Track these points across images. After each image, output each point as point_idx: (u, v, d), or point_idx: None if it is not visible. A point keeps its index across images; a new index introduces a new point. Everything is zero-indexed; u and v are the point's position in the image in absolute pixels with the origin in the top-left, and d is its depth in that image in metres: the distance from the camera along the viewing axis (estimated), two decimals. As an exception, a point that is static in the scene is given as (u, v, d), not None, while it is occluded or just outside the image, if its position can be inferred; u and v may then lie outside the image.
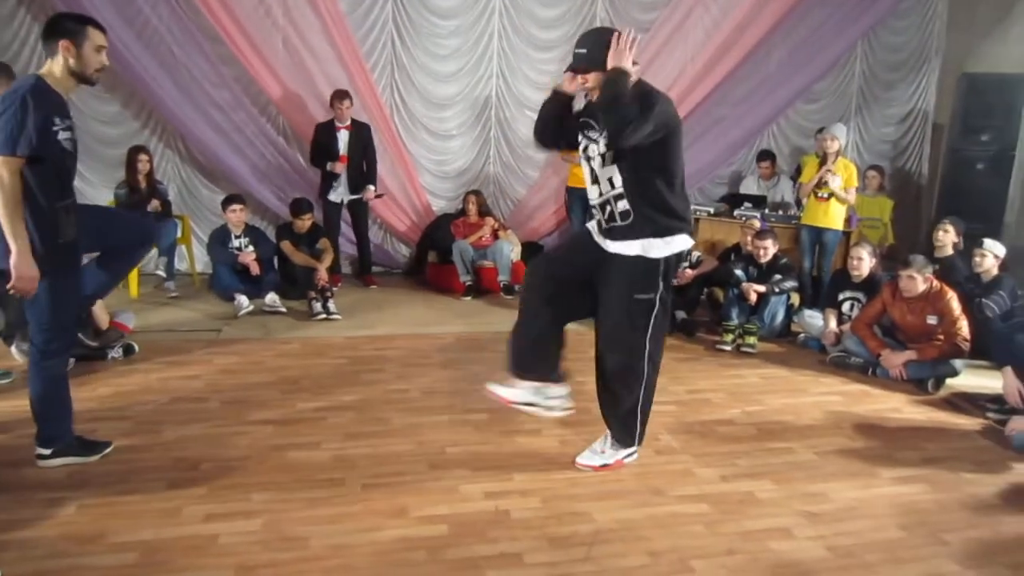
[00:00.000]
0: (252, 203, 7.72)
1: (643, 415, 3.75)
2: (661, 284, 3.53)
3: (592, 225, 3.74)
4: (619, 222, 3.52)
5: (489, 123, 8.55)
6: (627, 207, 3.49)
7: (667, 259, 3.52)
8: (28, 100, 3.15)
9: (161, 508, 3.26)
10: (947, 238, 6.28)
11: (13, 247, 3.17)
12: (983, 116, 8.38)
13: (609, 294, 3.59)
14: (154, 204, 6.91)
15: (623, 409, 3.73)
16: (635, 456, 3.87)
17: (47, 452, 3.58)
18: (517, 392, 3.78)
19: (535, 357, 3.80)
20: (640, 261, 3.50)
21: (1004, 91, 8.31)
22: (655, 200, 3.47)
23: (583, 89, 3.53)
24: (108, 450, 3.73)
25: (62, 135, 3.29)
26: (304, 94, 7.76)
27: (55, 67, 3.31)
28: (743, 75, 8.66)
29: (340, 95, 7.31)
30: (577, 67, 3.47)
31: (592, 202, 3.66)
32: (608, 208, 3.55)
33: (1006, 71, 8.60)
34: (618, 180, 3.49)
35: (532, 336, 3.77)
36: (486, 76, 8.42)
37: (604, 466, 3.80)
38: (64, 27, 3.30)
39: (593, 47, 3.42)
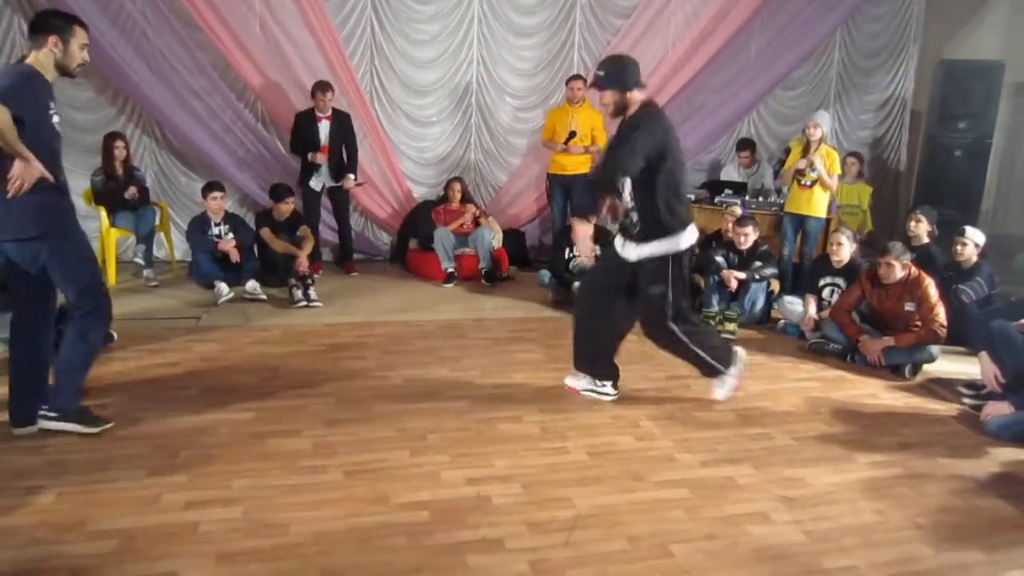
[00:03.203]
0: (231, 190, 7.68)
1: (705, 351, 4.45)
2: (670, 277, 4.19)
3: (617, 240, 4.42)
4: (634, 230, 4.23)
5: (470, 109, 8.53)
6: (637, 218, 4.20)
7: (674, 255, 4.17)
8: (33, 77, 3.48)
9: (141, 496, 3.25)
10: (920, 228, 6.31)
11: (22, 156, 3.38)
12: (961, 103, 8.44)
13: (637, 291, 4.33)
14: (131, 191, 6.85)
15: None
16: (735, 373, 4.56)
17: (52, 414, 3.80)
18: (580, 383, 4.66)
19: (587, 358, 4.61)
20: (649, 261, 4.20)
21: (981, 78, 8.38)
22: (659, 209, 4.11)
23: (602, 105, 4.25)
24: (107, 426, 3.86)
25: (55, 118, 3.59)
26: (282, 81, 7.70)
27: (42, 58, 3.56)
28: (723, 62, 8.68)
29: (323, 86, 7.25)
30: (596, 85, 4.16)
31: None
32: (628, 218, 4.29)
33: (983, 58, 8.67)
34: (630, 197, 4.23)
35: (583, 341, 4.58)
36: (466, 62, 8.39)
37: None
38: (53, 24, 3.58)
39: (612, 68, 4.14)
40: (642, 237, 4.20)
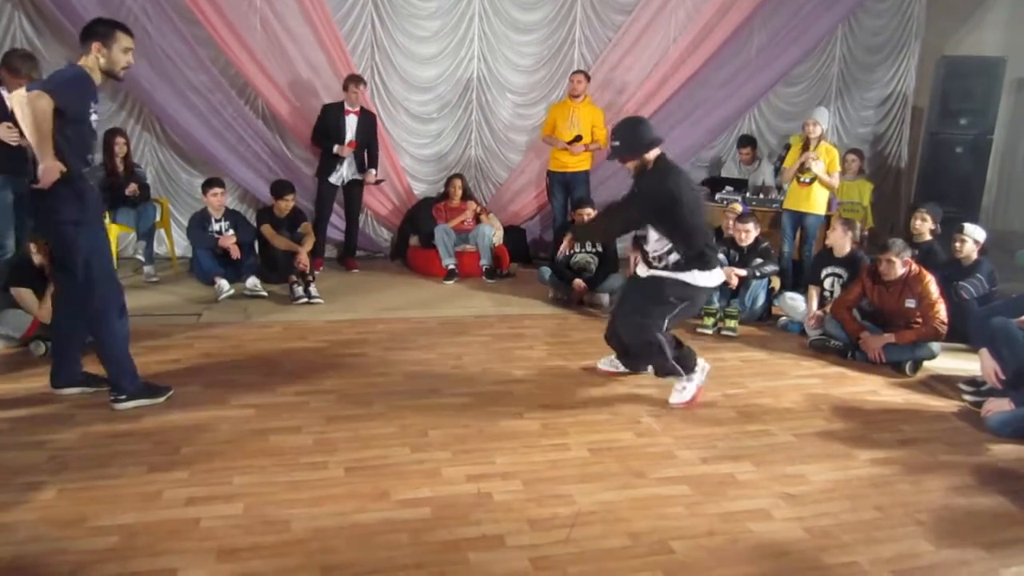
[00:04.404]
0: (232, 187, 7.68)
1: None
2: (672, 299, 4.44)
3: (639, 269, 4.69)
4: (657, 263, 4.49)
5: (471, 106, 8.52)
6: (657, 252, 4.47)
7: (686, 285, 4.40)
8: (82, 77, 3.77)
9: (142, 492, 3.25)
10: (924, 226, 6.31)
11: (42, 156, 3.62)
12: (962, 99, 8.44)
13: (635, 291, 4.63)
14: (132, 188, 6.84)
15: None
16: (695, 379, 4.53)
17: (122, 397, 4.09)
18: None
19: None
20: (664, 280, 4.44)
21: (983, 74, 8.37)
22: (684, 249, 4.36)
23: (624, 169, 4.52)
24: (171, 393, 4.24)
25: (93, 116, 3.88)
26: (283, 77, 7.70)
27: (90, 63, 3.82)
28: (724, 58, 8.67)
29: (356, 79, 7.30)
30: (616, 157, 4.42)
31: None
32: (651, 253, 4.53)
33: (985, 54, 8.66)
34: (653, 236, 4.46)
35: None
36: (467, 58, 8.38)
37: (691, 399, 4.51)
38: (96, 31, 3.83)
39: (626, 138, 4.34)
40: (675, 270, 4.42)
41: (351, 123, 7.35)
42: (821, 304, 6.06)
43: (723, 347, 5.72)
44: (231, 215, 6.97)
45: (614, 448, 3.88)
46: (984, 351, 4.63)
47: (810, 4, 8.50)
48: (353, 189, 7.63)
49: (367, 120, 7.46)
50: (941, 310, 5.24)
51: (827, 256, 6.21)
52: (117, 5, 7.05)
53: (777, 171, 8.04)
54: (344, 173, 7.48)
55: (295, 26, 7.62)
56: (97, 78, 3.85)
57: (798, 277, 6.87)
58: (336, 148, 7.30)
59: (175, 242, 7.58)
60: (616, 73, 8.55)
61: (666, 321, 4.46)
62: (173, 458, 3.57)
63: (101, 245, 4.02)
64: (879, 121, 9.69)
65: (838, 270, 6.09)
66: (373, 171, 7.59)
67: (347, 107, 7.31)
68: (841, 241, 6.06)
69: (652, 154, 4.34)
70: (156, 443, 3.71)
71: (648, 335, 4.44)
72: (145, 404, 4.10)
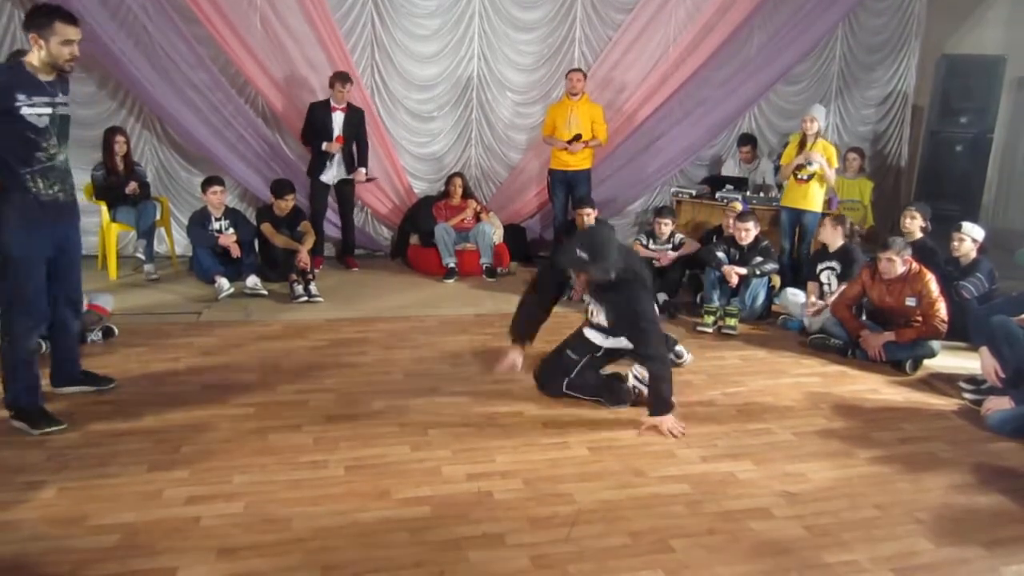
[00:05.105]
0: (232, 185, 7.67)
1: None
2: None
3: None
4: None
5: (471, 104, 8.51)
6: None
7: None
8: (5, 71, 3.72)
9: (142, 491, 3.25)
10: (914, 224, 6.31)
11: None
12: (962, 98, 8.44)
13: None
14: (132, 186, 6.85)
15: None
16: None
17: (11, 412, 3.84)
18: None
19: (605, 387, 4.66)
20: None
21: (983, 73, 8.37)
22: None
23: (580, 284, 4.32)
24: (61, 427, 3.78)
25: (26, 110, 3.58)
26: (283, 75, 7.69)
27: (32, 56, 3.65)
28: (725, 57, 8.66)
29: (342, 78, 7.30)
30: (575, 268, 4.15)
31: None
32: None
33: (985, 53, 8.65)
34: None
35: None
36: (467, 57, 8.37)
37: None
38: (32, 22, 3.61)
39: (592, 255, 4.03)
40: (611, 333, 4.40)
41: (338, 120, 7.36)
42: (820, 298, 6.11)
43: (723, 345, 5.73)
44: (231, 213, 6.97)
45: (614, 447, 3.88)
46: (984, 349, 4.63)
47: (810, 3, 8.46)
48: (344, 188, 7.64)
49: (354, 116, 7.47)
50: (941, 308, 5.23)
51: (822, 252, 6.32)
52: (117, 2, 7.05)
53: (777, 170, 8.03)
54: (334, 172, 7.49)
55: (295, 25, 7.61)
56: (44, 70, 3.64)
57: (797, 275, 6.88)
58: (324, 145, 7.31)
59: (175, 240, 7.57)
60: (616, 72, 8.54)
61: (564, 382, 4.48)
62: (173, 457, 3.57)
63: (27, 251, 3.70)
64: (879, 120, 9.67)
65: (832, 263, 6.20)
66: (363, 170, 7.59)
67: (333, 104, 7.33)
68: (832, 236, 6.20)
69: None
70: (156, 442, 3.71)
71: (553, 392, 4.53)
72: (22, 428, 3.76)
